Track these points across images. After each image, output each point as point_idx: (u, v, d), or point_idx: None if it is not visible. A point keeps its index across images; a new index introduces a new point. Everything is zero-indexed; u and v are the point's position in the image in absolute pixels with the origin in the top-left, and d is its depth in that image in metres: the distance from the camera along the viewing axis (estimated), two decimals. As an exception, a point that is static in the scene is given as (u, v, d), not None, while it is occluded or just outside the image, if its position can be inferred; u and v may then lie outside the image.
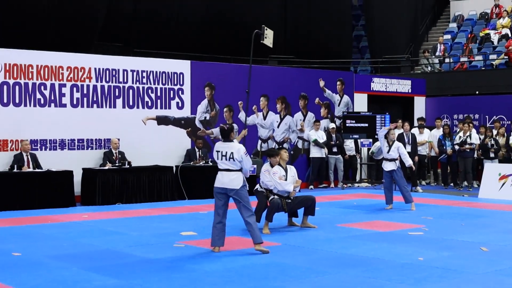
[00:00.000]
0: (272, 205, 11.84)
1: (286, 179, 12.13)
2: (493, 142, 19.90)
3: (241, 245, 10.60)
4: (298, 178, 12.32)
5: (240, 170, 10.08)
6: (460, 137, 20.21)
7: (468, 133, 20.11)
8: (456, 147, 20.15)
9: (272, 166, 12.18)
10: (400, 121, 20.85)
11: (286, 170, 12.22)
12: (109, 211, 15.00)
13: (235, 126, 18.96)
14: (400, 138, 19.03)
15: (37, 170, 15.66)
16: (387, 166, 15.68)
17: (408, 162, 15.78)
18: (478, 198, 17.96)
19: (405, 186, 15.56)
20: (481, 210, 15.57)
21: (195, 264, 9.21)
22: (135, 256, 9.80)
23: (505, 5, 30.10)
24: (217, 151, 10.19)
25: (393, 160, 15.62)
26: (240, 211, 10.11)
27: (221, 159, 10.10)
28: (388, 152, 15.64)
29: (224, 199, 10.15)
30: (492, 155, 19.86)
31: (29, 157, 15.73)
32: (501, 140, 20.19)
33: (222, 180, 10.06)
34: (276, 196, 12.10)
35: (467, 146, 19.92)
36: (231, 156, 10.01)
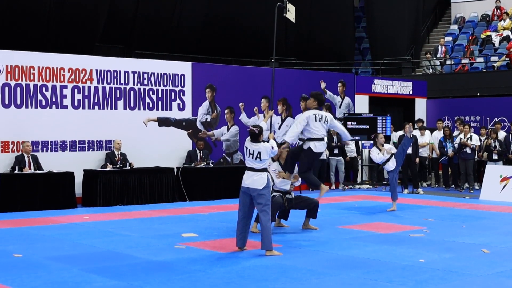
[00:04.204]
0: (274, 205, 11.85)
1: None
2: (496, 143, 19.88)
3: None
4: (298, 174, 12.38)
5: (265, 170, 10.21)
6: (460, 138, 20.21)
7: (468, 135, 20.11)
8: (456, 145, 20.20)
9: (273, 161, 12.36)
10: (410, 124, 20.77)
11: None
12: (110, 212, 14.99)
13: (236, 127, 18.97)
14: (401, 139, 19.04)
15: (38, 171, 15.67)
16: (390, 165, 15.90)
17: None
18: (479, 200, 17.95)
19: (394, 184, 15.75)
20: (482, 212, 15.56)
21: (196, 265, 9.21)
22: (136, 257, 9.80)
23: (506, 7, 30.09)
24: (246, 147, 10.40)
25: (390, 159, 15.80)
26: (259, 213, 10.17)
27: (248, 156, 10.27)
28: (384, 164, 15.89)
29: (248, 199, 10.21)
30: (495, 156, 19.84)
31: (30, 158, 15.73)
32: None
33: (246, 181, 10.19)
34: (277, 194, 12.14)
35: (468, 146, 19.93)
36: (258, 156, 10.16)
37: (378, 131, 20.84)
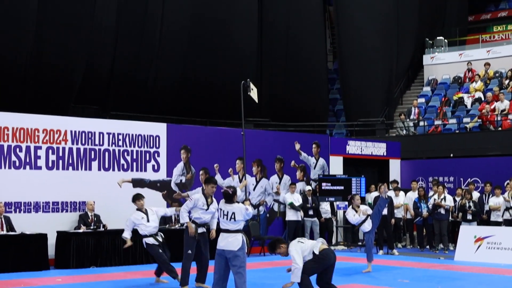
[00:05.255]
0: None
1: (207, 209, 12.39)
2: (471, 204, 19.98)
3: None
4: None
5: (240, 231, 10.19)
6: (434, 199, 20.30)
7: (442, 195, 20.22)
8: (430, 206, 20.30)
9: (204, 195, 12.46)
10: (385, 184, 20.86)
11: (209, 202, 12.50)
12: (83, 274, 14.82)
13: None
14: (377, 200, 19.07)
15: (10, 232, 15.49)
16: (366, 227, 15.97)
17: (369, 211, 16.07)
18: (454, 260, 17.97)
19: (370, 245, 15.80)
20: (457, 272, 15.57)
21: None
22: (109, 320, 9.67)
23: (477, 69, 30.58)
24: (220, 209, 10.45)
25: (365, 220, 15.85)
26: (234, 275, 10.10)
27: (222, 218, 10.28)
28: (360, 225, 16.01)
29: (223, 261, 10.16)
30: (469, 217, 19.92)
31: (3, 219, 15.57)
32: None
33: (221, 243, 10.17)
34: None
35: (442, 207, 20.02)
36: (232, 216, 10.15)
37: (353, 192, 20.92)
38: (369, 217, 15.89)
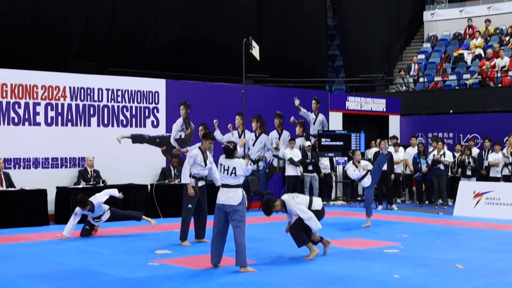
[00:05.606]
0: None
1: (205, 165, 12.56)
2: (470, 160, 19.99)
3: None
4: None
5: (240, 186, 10.21)
6: (434, 155, 20.31)
7: (442, 151, 20.22)
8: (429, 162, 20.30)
9: (201, 150, 12.64)
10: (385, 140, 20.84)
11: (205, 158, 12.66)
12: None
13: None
14: (377, 156, 19.08)
15: (10, 189, 15.52)
16: (366, 182, 15.94)
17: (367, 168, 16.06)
18: (453, 216, 18.03)
19: (369, 201, 15.87)
20: (456, 227, 15.63)
21: (170, 282, 9.15)
22: (109, 275, 9.71)
23: (478, 26, 30.43)
24: (220, 164, 10.42)
25: (366, 175, 15.83)
26: (233, 229, 10.12)
27: (223, 173, 10.26)
28: (360, 181, 15.95)
29: (222, 216, 10.19)
30: (469, 173, 19.94)
31: (2, 176, 15.59)
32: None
33: (221, 198, 10.18)
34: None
35: (441, 163, 20.03)
36: (233, 171, 10.16)
37: (352, 148, 20.92)
38: (369, 172, 15.89)
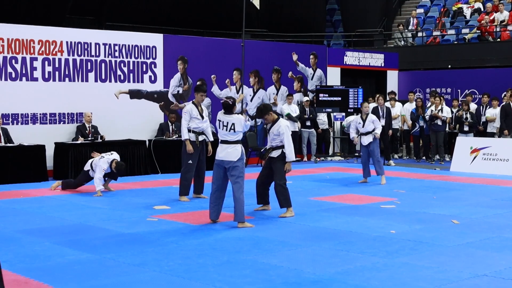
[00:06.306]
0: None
1: (202, 118, 12.63)
2: (468, 115, 19.98)
3: (215, 219, 10.61)
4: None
5: (239, 142, 10.23)
6: (432, 110, 20.30)
7: (439, 107, 20.22)
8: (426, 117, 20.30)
9: (194, 104, 12.72)
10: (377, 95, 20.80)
11: (200, 111, 12.70)
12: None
13: (208, 99, 18.97)
14: (375, 111, 19.08)
15: (8, 144, 15.54)
16: (364, 140, 15.67)
17: (378, 128, 15.71)
18: (450, 171, 18.11)
19: (378, 159, 15.60)
20: (453, 183, 15.71)
21: (168, 238, 9.22)
22: (108, 230, 9.79)
23: (477, -20, 30.20)
24: (219, 120, 10.40)
25: (369, 133, 15.60)
26: (232, 185, 10.17)
27: (222, 129, 10.28)
28: (363, 126, 15.63)
29: (221, 172, 10.22)
30: (466, 128, 19.94)
31: (0, 131, 15.59)
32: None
33: (220, 154, 10.20)
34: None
35: (439, 118, 20.04)
36: (232, 127, 10.18)
37: (350, 104, 20.93)
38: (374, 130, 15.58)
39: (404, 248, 8.57)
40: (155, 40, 18.63)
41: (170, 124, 18.35)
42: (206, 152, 12.89)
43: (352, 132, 16.13)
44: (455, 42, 26.28)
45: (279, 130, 10.97)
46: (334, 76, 23.00)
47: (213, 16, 27.09)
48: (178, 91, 19.03)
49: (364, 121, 15.62)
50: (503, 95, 20.29)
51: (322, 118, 21.62)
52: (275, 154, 11.10)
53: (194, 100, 12.73)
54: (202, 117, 12.61)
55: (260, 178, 11.49)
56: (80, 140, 16.55)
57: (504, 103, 19.71)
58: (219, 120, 10.36)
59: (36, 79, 16.51)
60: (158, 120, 18.49)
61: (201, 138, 12.66)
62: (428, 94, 23.28)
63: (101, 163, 13.49)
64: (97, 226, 10.12)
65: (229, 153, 10.15)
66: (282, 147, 11.01)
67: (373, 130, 15.53)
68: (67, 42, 16.99)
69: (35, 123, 16.50)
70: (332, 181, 16.00)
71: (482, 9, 27.49)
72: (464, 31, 26.44)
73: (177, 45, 19.09)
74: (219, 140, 10.38)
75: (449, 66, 24.79)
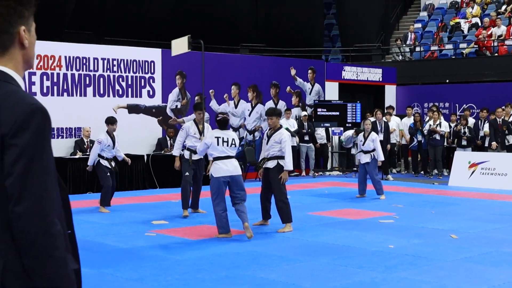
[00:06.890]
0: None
1: (200, 137, 12.51)
2: (466, 130, 20.01)
3: (213, 233, 10.60)
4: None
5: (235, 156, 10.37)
6: (430, 125, 20.33)
7: (438, 121, 20.24)
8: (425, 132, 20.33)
9: (195, 122, 12.86)
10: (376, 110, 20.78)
11: (200, 130, 12.75)
12: (79, 200, 14.90)
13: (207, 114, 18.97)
14: (373, 126, 19.05)
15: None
16: (363, 159, 15.59)
17: (380, 157, 15.62)
18: (448, 186, 18.11)
19: (377, 179, 15.51)
20: (451, 198, 15.70)
21: (166, 253, 9.21)
22: (106, 245, 9.77)
23: (475, -6, 30.30)
24: (217, 137, 10.34)
25: (368, 152, 15.53)
26: (235, 195, 10.19)
27: (222, 145, 10.24)
28: (363, 144, 15.57)
29: (226, 187, 10.27)
30: (464, 143, 19.96)
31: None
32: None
33: (227, 169, 10.19)
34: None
35: (437, 133, 20.05)
36: (233, 142, 10.25)
37: (348, 119, 20.95)
38: (374, 150, 15.49)
39: (403, 263, 8.56)
40: (154, 54, 18.66)
41: (168, 138, 18.36)
42: (204, 170, 12.88)
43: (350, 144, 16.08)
44: (453, 57, 26.32)
45: (281, 138, 10.96)
46: (332, 91, 23.03)
47: (211, 31, 27.11)
48: (176, 105, 19.04)
49: (365, 138, 15.56)
50: (496, 110, 20.03)
51: (320, 132, 21.65)
52: (270, 165, 11.07)
53: (195, 117, 12.83)
54: (201, 134, 12.58)
55: (264, 192, 11.44)
56: (79, 154, 16.54)
57: (491, 119, 19.67)
58: (218, 137, 10.33)
59: (34, 94, 16.49)
60: (157, 134, 18.50)
61: (196, 157, 12.55)
62: (426, 109, 23.31)
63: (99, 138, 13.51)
64: (95, 240, 10.10)
65: (236, 166, 10.28)
66: (278, 157, 10.96)
67: (373, 150, 15.47)
68: (65, 57, 17.01)
69: (33, 138, 16.44)
70: (330, 195, 15.99)
71: (480, 24, 27.57)
72: (461, 45, 26.50)
73: (175, 59, 19.07)
74: (217, 157, 10.31)
75: (447, 81, 24.84)
